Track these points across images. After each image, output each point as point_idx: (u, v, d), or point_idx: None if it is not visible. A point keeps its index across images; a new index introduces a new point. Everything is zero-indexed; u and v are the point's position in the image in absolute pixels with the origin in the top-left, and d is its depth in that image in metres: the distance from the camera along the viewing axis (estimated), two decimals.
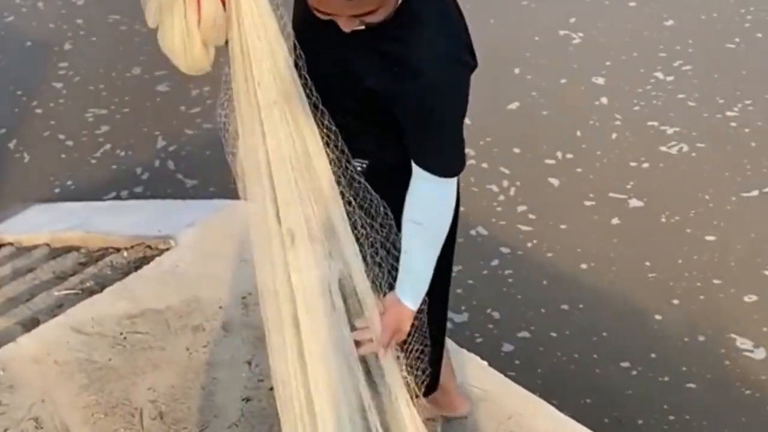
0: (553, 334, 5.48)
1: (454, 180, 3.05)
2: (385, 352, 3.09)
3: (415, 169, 3.00)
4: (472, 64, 2.90)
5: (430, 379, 3.33)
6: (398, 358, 3.13)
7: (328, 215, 3.03)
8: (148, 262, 5.00)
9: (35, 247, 5.47)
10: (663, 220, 6.24)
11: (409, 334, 3.15)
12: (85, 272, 5.03)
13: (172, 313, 4.70)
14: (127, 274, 4.96)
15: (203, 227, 5.17)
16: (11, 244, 5.66)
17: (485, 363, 4.42)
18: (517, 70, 7.90)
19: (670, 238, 6.23)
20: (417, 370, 3.20)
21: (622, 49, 8.22)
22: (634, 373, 5.13)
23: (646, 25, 8.64)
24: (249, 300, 4.70)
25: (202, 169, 6.96)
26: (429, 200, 3.06)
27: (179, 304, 4.75)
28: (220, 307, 4.68)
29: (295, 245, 3.00)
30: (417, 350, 3.21)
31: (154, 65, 8.08)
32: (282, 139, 2.91)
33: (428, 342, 3.25)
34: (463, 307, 5.67)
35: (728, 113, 7.28)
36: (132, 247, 5.18)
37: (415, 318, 3.14)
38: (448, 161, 3.00)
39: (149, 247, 5.14)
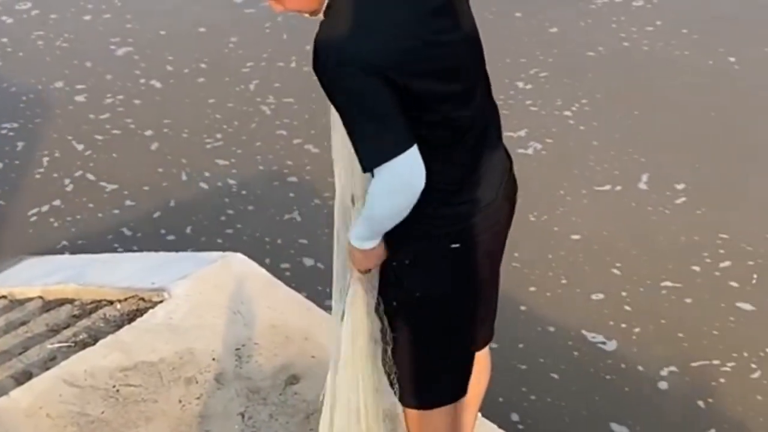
0: None
1: (382, 174, 3.06)
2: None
3: None
4: (366, 65, 2.96)
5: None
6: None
7: None
8: (142, 315, 4.95)
9: (28, 300, 5.42)
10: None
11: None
12: (78, 325, 4.98)
13: (165, 366, 4.64)
14: (120, 326, 4.90)
15: (196, 279, 5.10)
16: (4, 297, 5.62)
17: None
18: None
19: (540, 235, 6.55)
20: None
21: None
22: None
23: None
24: (242, 351, 4.66)
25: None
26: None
27: (172, 356, 4.70)
28: (214, 359, 4.63)
29: None
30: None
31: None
32: None
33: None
34: None
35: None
36: (125, 299, 5.12)
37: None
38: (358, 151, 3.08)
39: (142, 299, 5.07)
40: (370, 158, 3.07)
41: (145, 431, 4.31)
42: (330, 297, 5.64)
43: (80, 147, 7.78)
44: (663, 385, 5.52)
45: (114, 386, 4.48)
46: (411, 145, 3.02)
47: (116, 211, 7.11)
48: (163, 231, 6.89)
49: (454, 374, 3.64)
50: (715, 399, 5.46)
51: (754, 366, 5.65)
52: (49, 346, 4.80)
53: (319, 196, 7.11)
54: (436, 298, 3.44)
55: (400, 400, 3.63)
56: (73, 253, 6.69)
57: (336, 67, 3.02)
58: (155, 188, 7.37)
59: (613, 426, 5.14)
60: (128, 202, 7.21)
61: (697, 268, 6.39)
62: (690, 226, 6.83)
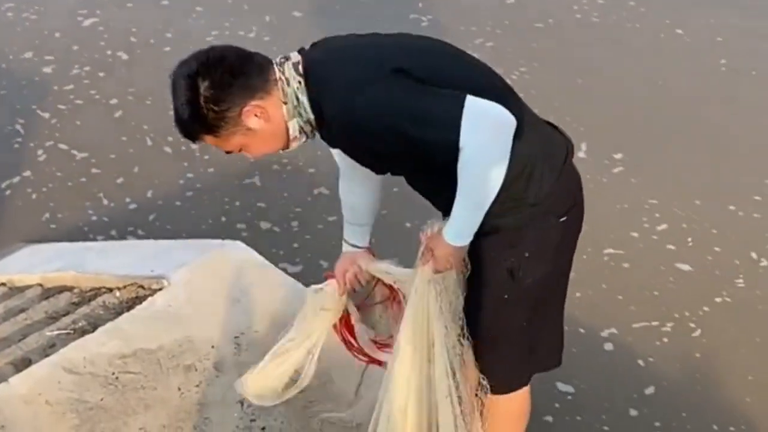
0: None
1: (470, 119, 3.00)
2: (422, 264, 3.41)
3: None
4: (383, 74, 3.05)
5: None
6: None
7: None
8: (141, 302, 4.57)
9: (27, 287, 5.11)
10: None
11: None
12: (78, 312, 4.65)
13: (165, 353, 4.31)
14: (119, 314, 4.54)
15: (196, 267, 4.81)
16: (3, 284, 5.29)
17: None
18: None
19: None
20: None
21: None
22: None
23: None
24: (241, 339, 4.42)
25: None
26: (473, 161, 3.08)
27: (171, 343, 4.36)
28: (213, 347, 4.37)
29: None
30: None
31: None
32: None
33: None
34: None
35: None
36: (124, 287, 4.81)
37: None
38: (440, 126, 3.02)
39: (142, 287, 4.77)
40: (449, 112, 2.99)
41: (144, 418, 4.04)
42: (284, 259, 5.54)
43: (46, 116, 7.48)
44: (609, 346, 5.39)
45: (113, 373, 4.17)
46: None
47: (83, 179, 6.83)
48: (128, 199, 6.63)
49: (551, 341, 3.70)
50: (655, 358, 5.33)
51: (693, 325, 5.55)
52: (48, 334, 4.48)
53: (278, 162, 6.89)
54: (543, 277, 3.41)
55: (493, 391, 3.58)
56: (53, 224, 6.41)
57: (364, 98, 3.02)
58: (120, 155, 7.09)
59: (559, 385, 4.99)
60: (94, 170, 6.94)
61: (635, 234, 6.27)
62: (626, 194, 6.68)
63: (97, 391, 4.11)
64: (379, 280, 3.77)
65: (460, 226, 3.25)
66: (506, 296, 3.40)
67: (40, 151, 7.08)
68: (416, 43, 3.39)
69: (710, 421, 4.97)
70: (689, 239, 6.26)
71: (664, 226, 6.36)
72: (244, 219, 6.45)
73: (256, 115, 3.12)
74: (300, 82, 3.14)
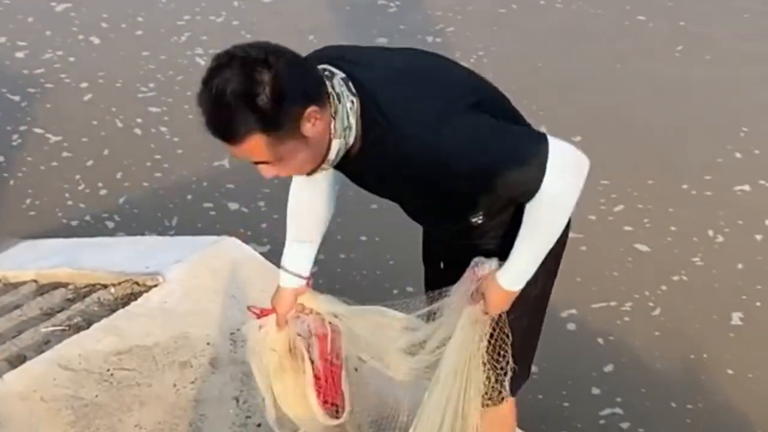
0: None
1: (550, 178, 2.70)
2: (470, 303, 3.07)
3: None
4: (464, 107, 2.73)
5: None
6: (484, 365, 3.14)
7: None
8: (136, 299, 4.36)
9: (22, 283, 4.86)
10: None
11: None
12: (73, 308, 4.43)
13: (160, 350, 4.11)
14: (114, 310, 4.30)
15: (191, 263, 4.61)
16: None
17: None
18: None
19: None
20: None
21: None
22: None
23: None
24: (237, 336, 4.20)
25: None
26: (530, 208, 2.81)
27: (167, 340, 4.15)
28: (208, 344, 4.16)
29: None
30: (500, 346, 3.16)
31: None
32: None
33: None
34: None
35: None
36: (119, 283, 4.59)
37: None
38: (527, 166, 2.72)
39: (137, 283, 4.55)
40: (536, 152, 2.69)
41: (139, 415, 3.82)
42: (251, 239, 5.37)
43: (16, 98, 7.32)
44: (571, 326, 5.31)
45: (108, 370, 3.96)
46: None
47: (55, 163, 6.69)
48: (100, 184, 6.48)
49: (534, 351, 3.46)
50: (615, 336, 5.24)
51: (651, 304, 5.45)
52: (43, 330, 4.26)
53: None
54: (544, 287, 3.28)
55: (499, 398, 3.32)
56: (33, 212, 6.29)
57: (451, 136, 2.67)
58: (92, 137, 6.93)
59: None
60: (65, 154, 6.79)
61: (593, 217, 6.11)
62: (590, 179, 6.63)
63: (93, 388, 3.91)
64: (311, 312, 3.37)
65: (520, 271, 2.95)
66: (518, 308, 3.16)
67: (15, 136, 6.92)
68: (461, 70, 3.05)
69: (669, 399, 4.89)
70: (645, 220, 6.13)
71: (620, 207, 6.25)
72: (212, 199, 6.30)
73: (312, 123, 2.60)
74: (353, 102, 2.68)
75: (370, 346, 3.28)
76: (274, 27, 8.00)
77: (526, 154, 2.71)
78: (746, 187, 6.48)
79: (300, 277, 3.29)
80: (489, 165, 2.70)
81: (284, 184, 6.24)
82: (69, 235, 5.82)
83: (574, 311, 5.42)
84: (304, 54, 2.71)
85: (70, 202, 6.28)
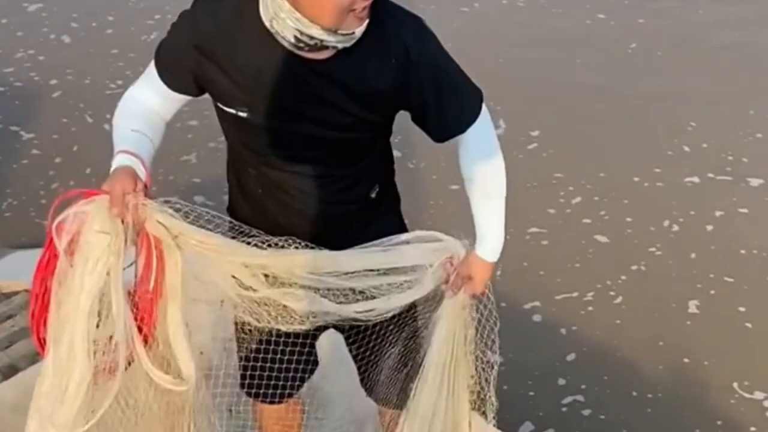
0: None
1: (486, 116, 2.71)
2: (453, 293, 2.85)
3: (457, 139, 2.71)
4: None
5: None
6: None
7: None
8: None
9: (14, 293, 4.66)
10: None
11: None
12: None
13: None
14: None
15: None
16: None
17: None
18: None
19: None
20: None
21: None
22: None
23: None
24: (231, 346, 3.95)
25: None
26: (475, 155, 2.75)
27: None
28: (201, 353, 3.78)
29: None
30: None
31: None
32: None
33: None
34: None
35: None
36: None
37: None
38: (473, 100, 2.68)
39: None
40: (480, 95, 2.70)
41: (132, 425, 3.42)
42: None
43: None
44: (536, 318, 5.23)
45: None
46: None
47: (26, 161, 6.58)
48: (72, 182, 6.26)
49: None
50: (578, 326, 5.16)
51: (613, 294, 5.38)
52: None
53: (214, 140, 6.53)
54: None
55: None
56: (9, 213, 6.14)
57: (427, 30, 2.64)
58: (61, 133, 6.83)
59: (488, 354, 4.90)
60: (35, 151, 6.68)
61: (552, 210, 6.06)
62: (541, 170, 6.45)
63: None
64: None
65: (498, 237, 2.87)
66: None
67: None
68: None
69: (630, 387, 4.81)
70: (602, 212, 6.04)
71: (578, 200, 6.18)
72: (177, 192, 6.12)
73: None
74: None
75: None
76: None
77: (472, 84, 2.69)
78: (696, 179, 6.42)
79: (138, 158, 2.66)
80: (453, 72, 2.65)
81: None
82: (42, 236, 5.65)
83: (537, 303, 5.33)
84: None
85: (44, 201, 6.11)
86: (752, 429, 4.58)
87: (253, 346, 2.95)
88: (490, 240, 2.85)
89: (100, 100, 6.99)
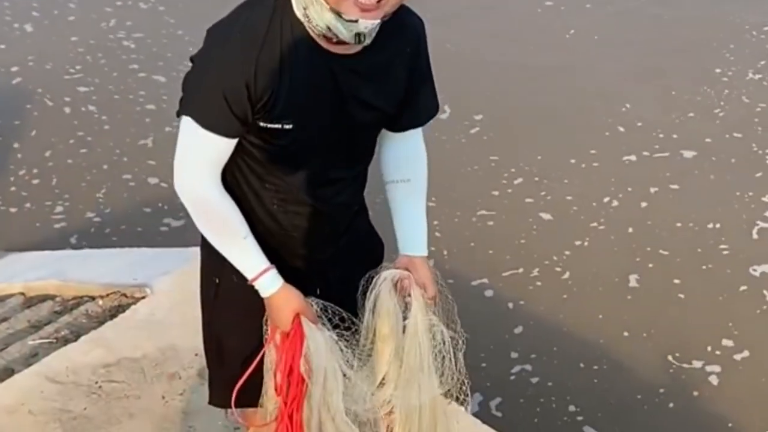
0: None
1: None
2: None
3: (408, 133, 2.50)
4: None
5: None
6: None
7: None
8: (124, 311, 4.02)
9: (9, 296, 4.45)
10: None
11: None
12: (60, 321, 4.04)
13: (148, 362, 3.72)
14: (102, 322, 3.97)
15: (179, 275, 4.20)
16: None
17: None
18: None
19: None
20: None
21: None
22: None
23: None
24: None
25: None
26: (417, 153, 2.54)
27: (155, 352, 3.77)
28: (196, 355, 3.74)
29: None
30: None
31: None
32: None
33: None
34: None
35: None
36: (107, 295, 4.21)
37: None
38: (435, 95, 2.51)
39: (125, 295, 4.18)
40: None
41: (128, 427, 3.40)
42: (168, 214, 5.62)
43: None
44: (488, 293, 5.14)
45: (96, 382, 3.59)
46: None
47: None
48: (35, 171, 6.21)
49: None
50: (525, 301, 5.08)
51: (559, 269, 5.32)
52: (31, 343, 3.90)
53: (170, 125, 6.42)
54: None
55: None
56: None
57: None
58: (22, 118, 6.66)
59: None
60: None
61: (496, 192, 5.94)
62: (483, 154, 6.39)
63: (81, 401, 3.53)
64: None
65: (426, 232, 2.60)
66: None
67: None
68: None
69: (577, 359, 4.74)
70: (543, 192, 5.94)
71: (519, 181, 6.11)
72: (132, 173, 6.06)
73: None
74: None
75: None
76: (199, 10, 7.70)
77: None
78: (633, 158, 6.37)
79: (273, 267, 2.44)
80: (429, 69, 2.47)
81: None
82: (10, 222, 5.58)
83: (486, 280, 5.21)
84: None
85: (13, 188, 5.96)
86: (695, 393, 4.50)
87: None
88: (425, 236, 2.59)
89: (59, 84, 6.89)
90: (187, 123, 2.22)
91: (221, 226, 2.36)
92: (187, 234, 4.67)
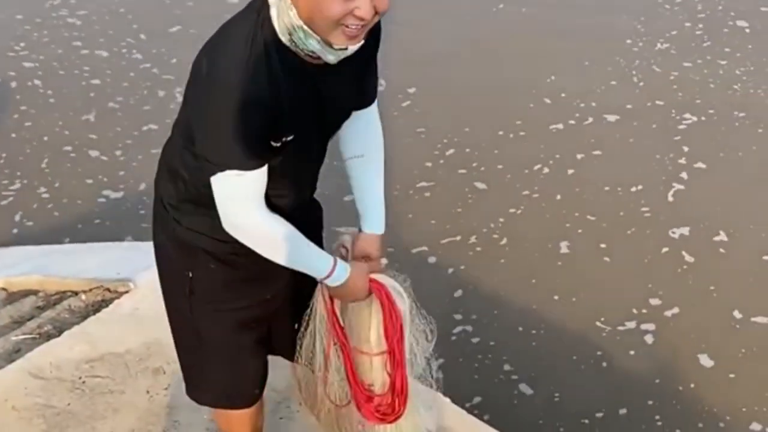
0: None
1: None
2: None
3: (364, 111, 2.46)
4: None
5: None
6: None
7: None
8: (107, 305, 3.83)
9: None
10: None
11: None
12: (43, 316, 3.81)
13: (132, 356, 3.54)
14: (85, 317, 3.77)
15: None
16: None
17: None
18: None
19: None
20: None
21: None
22: None
23: None
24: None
25: None
26: (368, 128, 2.51)
27: (139, 346, 3.59)
28: None
29: None
30: None
31: None
32: None
33: None
34: None
35: None
36: (90, 290, 3.98)
37: None
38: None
39: (108, 290, 3.96)
40: None
41: (112, 422, 3.27)
42: (107, 186, 5.57)
43: None
44: (432, 259, 5.05)
45: (80, 378, 3.44)
46: None
47: None
48: None
49: None
50: (465, 266, 4.95)
51: (496, 236, 5.18)
52: (14, 339, 3.69)
53: (113, 100, 6.36)
54: None
55: None
56: None
57: None
58: None
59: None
60: None
61: (429, 164, 5.82)
62: (415, 127, 6.27)
63: (65, 396, 3.37)
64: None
65: (381, 205, 2.56)
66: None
67: None
68: None
69: (516, 323, 4.65)
70: (475, 163, 5.84)
71: (451, 152, 6.01)
72: (72, 144, 5.91)
73: None
74: None
75: None
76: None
77: None
78: (560, 126, 6.30)
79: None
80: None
81: (145, 139, 5.94)
82: None
83: (425, 248, 5.13)
84: None
85: None
86: (631, 353, 4.44)
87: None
88: (382, 214, 2.56)
89: (4, 60, 6.82)
90: (228, 174, 2.14)
91: (287, 245, 2.29)
92: (126, 204, 5.09)
